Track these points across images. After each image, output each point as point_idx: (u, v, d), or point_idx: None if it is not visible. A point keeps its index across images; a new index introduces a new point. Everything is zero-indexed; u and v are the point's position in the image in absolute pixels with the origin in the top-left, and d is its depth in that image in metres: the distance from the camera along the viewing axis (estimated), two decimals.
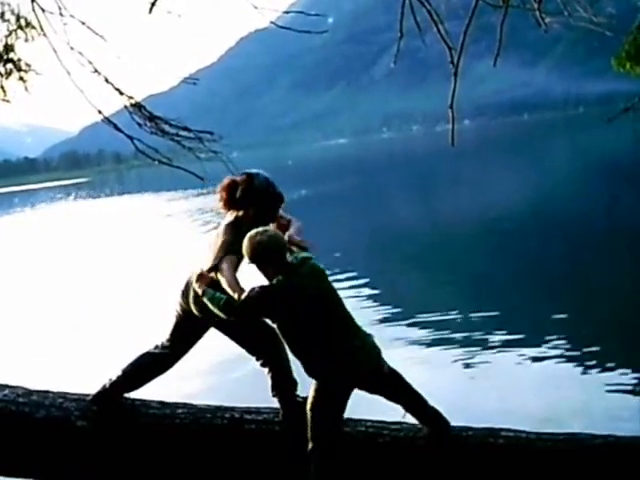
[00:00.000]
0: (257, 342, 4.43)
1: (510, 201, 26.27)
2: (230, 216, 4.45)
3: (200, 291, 4.12)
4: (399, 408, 4.51)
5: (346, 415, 4.62)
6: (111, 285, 18.22)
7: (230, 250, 4.23)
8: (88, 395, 4.69)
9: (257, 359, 4.50)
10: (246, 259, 4.18)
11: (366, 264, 18.15)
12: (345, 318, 4.20)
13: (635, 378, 8.31)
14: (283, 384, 4.46)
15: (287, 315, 4.04)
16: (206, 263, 4.28)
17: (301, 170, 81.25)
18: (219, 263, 4.15)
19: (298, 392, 4.55)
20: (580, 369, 8.69)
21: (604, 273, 13.80)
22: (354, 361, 4.07)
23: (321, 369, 4.08)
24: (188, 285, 4.45)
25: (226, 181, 4.49)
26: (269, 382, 4.47)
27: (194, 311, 4.40)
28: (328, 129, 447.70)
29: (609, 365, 8.77)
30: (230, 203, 4.46)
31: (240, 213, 4.42)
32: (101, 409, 4.54)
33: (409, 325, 11.16)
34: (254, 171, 4.53)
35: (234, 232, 4.31)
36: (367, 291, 14.01)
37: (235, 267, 4.20)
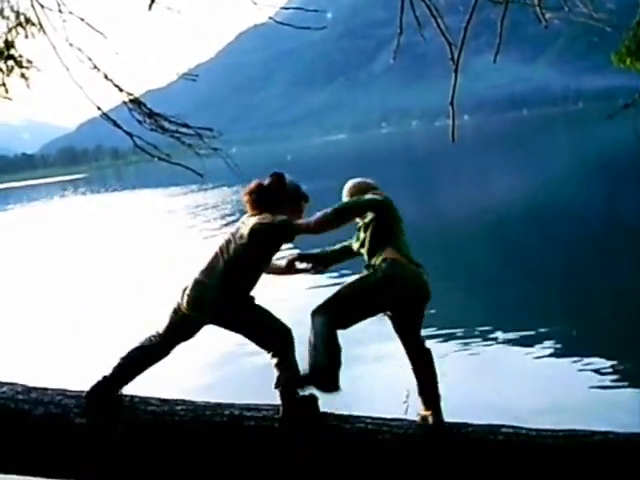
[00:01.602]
0: (269, 336, 4.43)
1: (509, 197, 26.26)
2: (255, 218, 4.39)
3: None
4: (399, 405, 4.52)
5: (346, 412, 4.63)
6: (110, 282, 18.20)
7: (262, 241, 4.37)
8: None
9: (268, 352, 4.49)
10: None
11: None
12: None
13: (634, 374, 8.32)
14: (287, 380, 4.44)
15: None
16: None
17: (300, 165, 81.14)
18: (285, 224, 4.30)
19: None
20: (579, 365, 8.69)
21: (603, 269, 13.79)
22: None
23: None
24: (195, 288, 4.47)
25: (252, 185, 4.54)
26: (275, 374, 4.46)
27: (192, 312, 4.42)
28: (327, 124, 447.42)
29: (609, 361, 8.77)
30: (259, 204, 4.47)
31: (268, 214, 4.38)
32: (98, 406, 4.52)
33: None
34: (280, 172, 4.61)
35: (263, 239, 4.35)
36: None
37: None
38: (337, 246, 5.15)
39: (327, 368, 4.33)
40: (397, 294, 4.48)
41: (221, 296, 4.39)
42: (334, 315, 4.42)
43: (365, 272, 4.60)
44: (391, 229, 4.67)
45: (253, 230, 4.24)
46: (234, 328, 4.48)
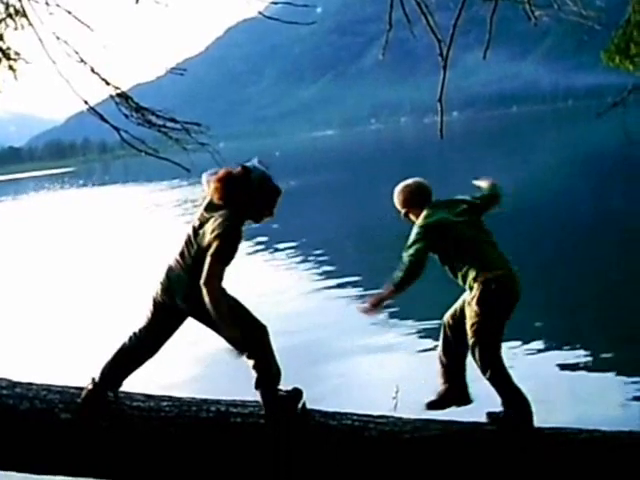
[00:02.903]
0: (243, 336, 4.38)
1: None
2: (222, 213, 4.33)
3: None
4: (386, 401, 4.52)
5: (332, 409, 4.62)
6: (96, 276, 18.14)
7: (225, 261, 4.24)
8: (72, 387, 4.65)
9: (242, 352, 4.45)
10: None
11: (355, 256, 18.16)
12: None
13: (621, 368, 8.37)
14: (266, 379, 4.42)
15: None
16: (202, 271, 4.22)
17: (289, 161, 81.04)
18: (212, 285, 4.16)
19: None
20: (566, 361, 8.74)
21: (591, 265, 13.88)
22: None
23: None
24: (169, 277, 4.42)
25: (222, 172, 4.41)
26: (253, 375, 4.44)
27: (178, 302, 4.37)
28: (316, 120, 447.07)
29: (595, 357, 8.82)
30: (225, 195, 4.37)
31: (234, 208, 4.34)
32: (92, 414, 4.47)
33: (399, 317, 11.17)
34: (250, 164, 4.45)
35: (229, 236, 4.25)
36: (355, 284, 14.01)
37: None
38: None
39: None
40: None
41: (190, 283, 4.31)
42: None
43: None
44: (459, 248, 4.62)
45: (217, 243, 4.20)
46: (206, 321, 4.37)
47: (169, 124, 4.38)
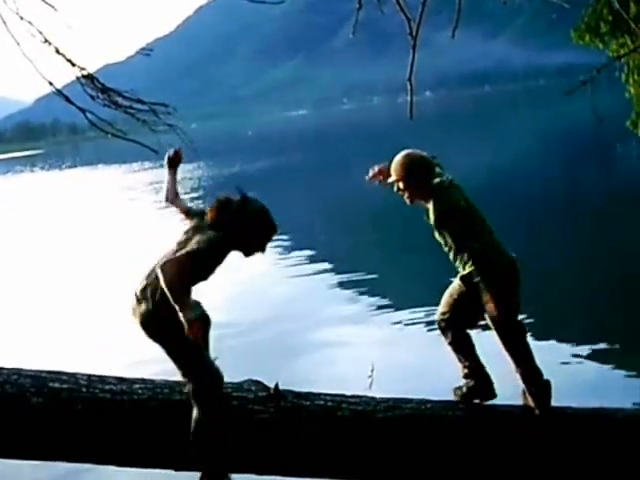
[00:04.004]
0: (177, 355, 4.25)
1: (470, 173, 26.42)
2: (210, 233, 4.22)
3: None
4: (360, 381, 4.54)
5: (305, 388, 4.63)
6: (71, 260, 17.99)
7: (196, 264, 4.07)
8: (43, 371, 4.61)
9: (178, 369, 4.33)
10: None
11: (328, 236, 18.16)
12: None
13: (598, 348, 8.48)
14: (202, 396, 4.27)
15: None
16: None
17: (261, 141, 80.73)
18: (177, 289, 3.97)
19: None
20: (538, 339, 8.82)
21: (564, 245, 14.01)
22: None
23: None
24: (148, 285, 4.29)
25: (222, 198, 4.31)
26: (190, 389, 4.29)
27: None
28: (288, 100, 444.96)
29: (567, 335, 8.93)
30: (218, 220, 4.26)
31: (224, 234, 4.22)
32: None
33: (374, 297, 11.21)
34: (252, 195, 4.35)
35: (209, 249, 4.12)
36: (328, 264, 14.03)
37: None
38: None
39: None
40: None
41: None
42: None
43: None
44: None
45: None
46: (163, 339, 4.23)
47: (136, 105, 4.31)
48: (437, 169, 4.67)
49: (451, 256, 4.51)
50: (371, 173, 4.83)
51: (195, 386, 4.23)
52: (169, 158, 4.74)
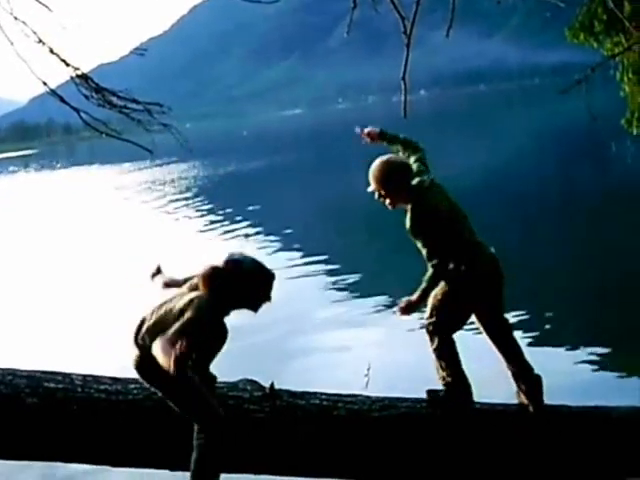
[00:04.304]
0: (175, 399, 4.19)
1: (465, 172, 26.45)
2: (201, 296, 4.06)
3: None
4: (355, 380, 4.54)
5: (301, 388, 4.63)
6: (62, 260, 17.95)
7: (193, 342, 3.87)
8: (38, 372, 4.60)
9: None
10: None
11: (323, 236, 18.16)
12: None
13: (593, 347, 8.49)
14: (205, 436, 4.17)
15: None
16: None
17: (256, 141, 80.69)
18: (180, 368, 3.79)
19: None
20: (534, 339, 8.83)
21: (558, 244, 14.02)
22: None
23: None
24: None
25: (208, 270, 4.09)
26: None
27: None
28: (283, 99, 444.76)
29: (563, 334, 8.94)
30: (211, 288, 4.08)
31: (220, 297, 4.08)
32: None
33: (365, 297, 11.20)
34: (238, 256, 4.20)
35: (201, 320, 3.97)
36: (324, 263, 14.02)
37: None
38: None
39: None
40: None
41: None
42: None
43: None
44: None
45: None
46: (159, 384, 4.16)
47: (130, 105, 4.30)
48: (416, 166, 4.68)
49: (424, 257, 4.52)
50: (361, 131, 4.90)
51: (198, 426, 4.15)
52: (152, 275, 4.65)
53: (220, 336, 4.06)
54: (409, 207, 4.46)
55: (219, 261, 4.15)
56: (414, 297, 4.47)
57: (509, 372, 4.60)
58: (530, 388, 4.53)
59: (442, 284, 4.50)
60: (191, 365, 3.88)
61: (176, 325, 3.92)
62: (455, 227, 4.51)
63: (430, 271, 4.42)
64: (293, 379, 5.15)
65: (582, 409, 4.65)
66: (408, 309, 4.50)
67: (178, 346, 3.74)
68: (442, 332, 4.50)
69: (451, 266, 4.43)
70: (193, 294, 4.09)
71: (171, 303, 4.16)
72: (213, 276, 4.09)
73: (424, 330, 4.57)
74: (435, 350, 4.52)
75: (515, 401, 4.62)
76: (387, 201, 4.58)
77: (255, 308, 4.22)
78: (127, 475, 5.03)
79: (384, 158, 4.58)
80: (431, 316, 4.53)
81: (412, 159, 4.77)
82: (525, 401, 4.54)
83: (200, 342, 3.93)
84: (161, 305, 4.21)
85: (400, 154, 4.85)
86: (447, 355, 4.52)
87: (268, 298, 4.20)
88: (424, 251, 4.43)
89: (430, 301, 4.54)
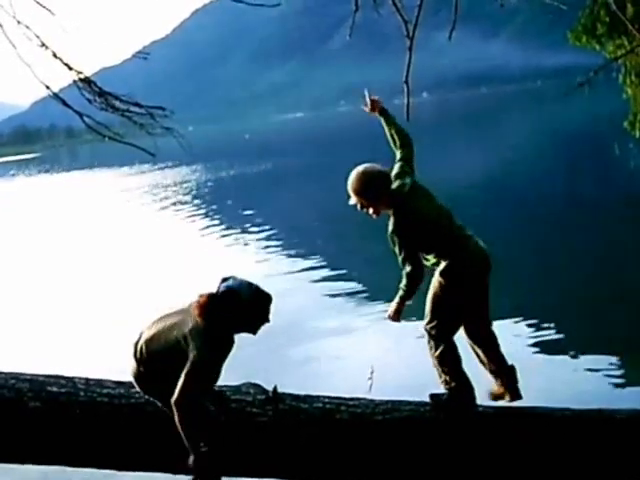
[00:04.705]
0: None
1: (468, 175, 26.44)
2: (198, 328, 4.07)
3: None
4: (358, 384, 4.54)
5: (305, 392, 4.62)
6: (64, 264, 17.95)
7: (203, 378, 4.02)
8: (41, 375, 4.60)
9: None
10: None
11: (325, 240, 18.14)
12: None
13: (591, 349, 8.46)
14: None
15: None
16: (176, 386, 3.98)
17: (259, 144, 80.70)
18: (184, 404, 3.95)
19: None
20: (536, 342, 8.82)
21: (561, 247, 14.00)
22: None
23: None
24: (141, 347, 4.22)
25: (204, 299, 4.07)
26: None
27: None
28: (285, 102, 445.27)
29: (567, 337, 8.92)
30: (209, 317, 4.08)
31: (218, 322, 4.08)
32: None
33: (368, 302, 11.19)
34: (233, 282, 4.14)
35: (209, 348, 4.01)
36: (327, 268, 14.01)
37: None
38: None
39: None
40: None
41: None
42: None
43: None
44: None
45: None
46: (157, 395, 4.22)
47: (133, 108, 4.30)
48: (398, 167, 4.68)
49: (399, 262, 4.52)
50: (369, 95, 4.91)
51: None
52: None
53: (223, 354, 4.10)
54: (391, 212, 4.47)
55: (214, 288, 4.13)
56: (395, 304, 4.53)
57: (487, 371, 4.64)
58: (508, 379, 4.61)
59: (435, 285, 4.51)
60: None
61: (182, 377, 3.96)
62: (441, 226, 4.52)
63: (404, 278, 4.45)
64: (296, 383, 5.14)
65: (585, 412, 4.64)
66: (396, 316, 4.56)
67: (184, 386, 3.90)
68: (445, 333, 4.50)
69: (442, 264, 4.47)
70: (190, 323, 4.09)
71: (168, 320, 4.20)
72: (209, 305, 4.08)
73: (425, 335, 4.56)
74: (438, 356, 4.52)
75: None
76: (370, 210, 4.58)
77: (254, 331, 4.21)
78: (130, 479, 5.02)
79: (360, 169, 4.57)
80: (432, 320, 4.52)
81: (398, 155, 4.78)
82: (501, 391, 4.62)
83: (206, 376, 4.04)
84: (158, 321, 4.25)
85: (391, 143, 4.86)
86: (450, 359, 4.52)
87: (267, 320, 4.17)
88: (400, 256, 4.44)
89: (427, 305, 4.55)
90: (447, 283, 4.47)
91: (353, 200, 4.58)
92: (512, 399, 4.63)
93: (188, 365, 3.95)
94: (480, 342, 4.64)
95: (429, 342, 4.56)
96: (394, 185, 4.54)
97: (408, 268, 4.42)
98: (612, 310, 9.74)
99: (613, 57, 9.94)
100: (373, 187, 4.50)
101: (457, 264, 4.47)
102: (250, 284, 4.15)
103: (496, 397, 4.69)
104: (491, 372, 4.66)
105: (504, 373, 4.63)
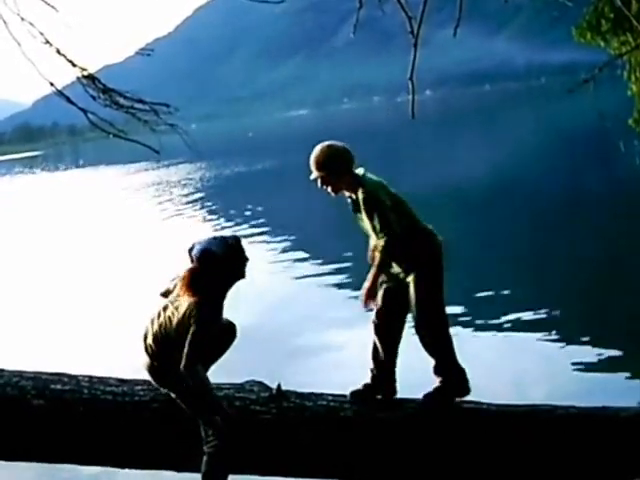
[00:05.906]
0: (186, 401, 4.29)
1: (472, 172, 26.41)
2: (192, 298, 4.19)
3: None
4: (362, 381, 4.53)
5: (309, 389, 4.62)
6: (68, 262, 17.97)
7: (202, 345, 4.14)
8: (44, 373, 4.60)
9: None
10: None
11: (329, 237, 18.15)
12: None
13: (595, 346, 8.45)
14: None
15: None
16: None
17: (263, 142, 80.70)
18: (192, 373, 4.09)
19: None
20: (542, 339, 8.80)
21: (566, 244, 13.98)
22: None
23: None
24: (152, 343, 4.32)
25: (188, 275, 4.19)
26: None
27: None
28: (289, 100, 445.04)
29: (571, 335, 8.90)
30: (198, 289, 4.19)
31: (208, 290, 4.20)
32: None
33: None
34: (200, 247, 4.24)
35: (205, 322, 4.14)
36: (330, 264, 14.00)
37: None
38: None
39: None
40: None
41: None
42: None
43: None
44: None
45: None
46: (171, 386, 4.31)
47: (137, 105, 4.29)
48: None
49: (372, 240, 4.52)
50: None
51: (206, 428, 4.21)
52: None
53: (227, 331, 4.29)
54: (360, 190, 4.44)
55: (191, 261, 4.22)
56: (369, 280, 4.50)
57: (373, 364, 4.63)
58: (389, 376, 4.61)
59: (411, 279, 4.48)
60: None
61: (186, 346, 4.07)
62: (405, 211, 4.53)
63: (382, 242, 4.39)
64: (300, 380, 5.14)
65: (589, 410, 4.62)
66: (370, 294, 4.54)
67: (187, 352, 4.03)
68: (437, 319, 4.50)
69: (413, 249, 4.49)
70: (185, 304, 4.18)
71: (168, 310, 4.28)
72: (194, 278, 4.17)
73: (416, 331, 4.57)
74: (435, 345, 4.52)
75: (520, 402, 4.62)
76: (329, 187, 4.55)
77: (243, 275, 4.31)
78: (134, 476, 5.02)
79: (325, 143, 4.58)
80: (421, 311, 4.49)
81: None
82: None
83: (207, 340, 4.14)
84: (159, 313, 4.32)
85: None
86: (445, 343, 4.52)
87: (246, 259, 4.29)
88: (378, 224, 4.39)
89: (412, 300, 4.50)
90: (423, 270, 4.47)
91: (314, 174, 4.55)
92: (388, 397, 4.59)
93: (190, 332, 4.08)
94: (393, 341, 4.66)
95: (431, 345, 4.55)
96: (357, 171, 4.54)
97: (386, 231, 4.37)
98: (618, 307, 9.73)
99: (618, 54, 9.91)
100: (338, 162, 4.49)
101: (426, 248, 4.50)
102: (213, 238, 4.29)
103: (364, 393, 4.58)
104: (380, 365, 4.63)
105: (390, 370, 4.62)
